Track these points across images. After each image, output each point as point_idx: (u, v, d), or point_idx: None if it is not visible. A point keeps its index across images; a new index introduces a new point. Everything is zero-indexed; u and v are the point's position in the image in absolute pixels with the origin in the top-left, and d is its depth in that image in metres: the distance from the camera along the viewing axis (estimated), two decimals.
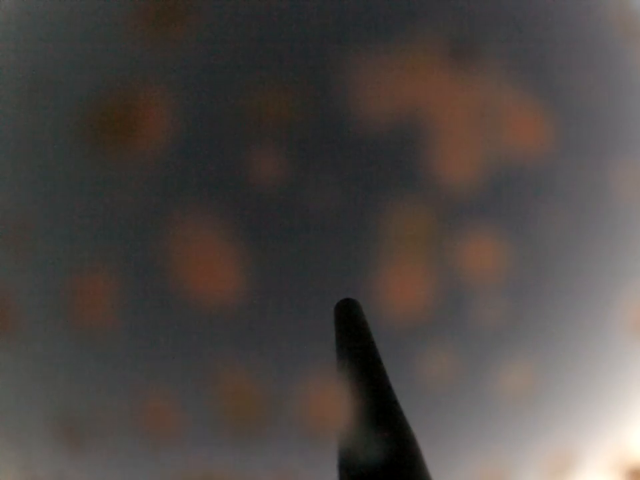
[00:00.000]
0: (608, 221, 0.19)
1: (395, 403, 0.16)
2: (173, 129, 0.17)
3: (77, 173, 0.17)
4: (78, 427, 0.17)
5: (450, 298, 0.17)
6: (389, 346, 0.17)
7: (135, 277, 0.17)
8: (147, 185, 0.16)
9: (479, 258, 0.17)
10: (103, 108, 0.18)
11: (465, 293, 0.17)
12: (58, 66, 0.19)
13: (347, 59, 0.17)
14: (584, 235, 0.19)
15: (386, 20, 0.18)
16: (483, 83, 0.18)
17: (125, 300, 0.17)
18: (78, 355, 0.17)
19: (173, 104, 0.17)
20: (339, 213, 0.16)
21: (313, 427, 0.16)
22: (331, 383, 0.16)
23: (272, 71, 0.17)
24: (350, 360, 0.16)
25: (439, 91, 0.18)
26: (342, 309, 0.20)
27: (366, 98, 0.17)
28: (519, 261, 0.17)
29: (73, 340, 0.17)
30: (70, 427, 0.17)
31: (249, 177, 0.17)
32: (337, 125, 0.18)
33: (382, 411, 0.15)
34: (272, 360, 0.16)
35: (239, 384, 0.16)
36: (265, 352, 0.16)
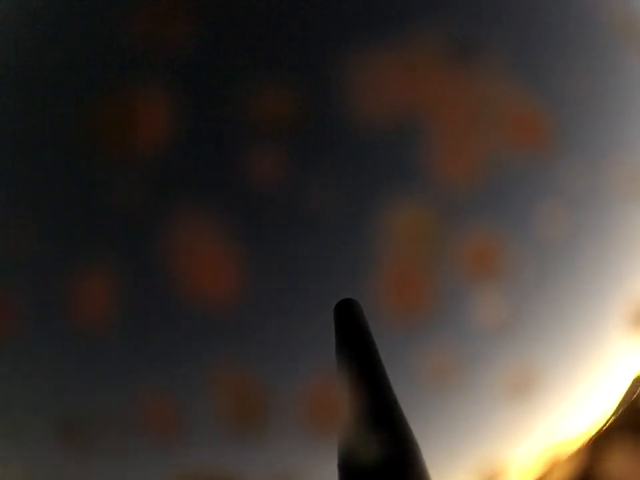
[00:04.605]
0: (607, 220, 0.19)
1: (395, 402, 0.16)
2: (172, 128, 0.17)
3: (77, 172, 0.17)
4: (78, 428, 0.17)
5: (450, 297, 0.17)
6: (389, 346, 0.17)
7: (135, 277, 0.17)
8: (147, 184, 0.17)
9: (479, 257, 0.17)
10: (103, 107, 0.18)
11: (464, 292, 0.17)
12: (57, 66, 0.19)
13: (346, 59, 0.17)
14: (583, 232, 0.19)
15: (386, 20, 0.18)
16: (483, 82, 0.18)
17: (124, 300, 0.17)
18: (77, 355, 0.17)
19: (173, 104, 0.17)
20: (339, 213, 0.17)
21: (312, 427, 0.16)
22: (331, 383, 0.16)
23: (272, 71, 0.17)
24: (350, 360, 0.16)
25: (439, 90, 0.18)
26: (342, 309, 0.20)
27: (366, 97, 0.17)
28: (519, 259, 0.18)
29: (73, 340, 0.17)
30: (70, 427, 0.17)
31: (249, 176, 0.17)
32: (336, 124, 0.18)
33: (382, 410, 0.15)
34: (272, 360, 0.16)
35: (239, 384, 0.16)
36: (264, 352, 0.17)
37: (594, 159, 0.20)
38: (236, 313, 0.16)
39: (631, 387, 0.20)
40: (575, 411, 0.19)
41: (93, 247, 0.17)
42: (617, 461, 0.19)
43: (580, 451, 0.19)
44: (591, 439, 0.19)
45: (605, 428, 0.19)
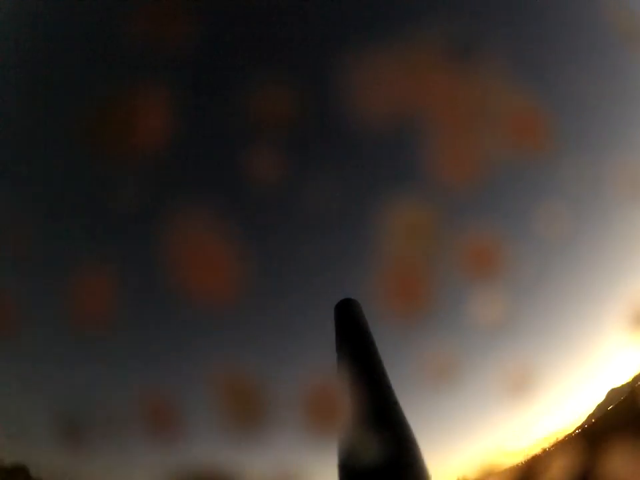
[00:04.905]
0: (606, 220, 0.19)
1: (395, 403, 0.16)
2: (172, 128, 0.17)
3: (77, 172, 0.17)
4: (78, 425, 0.17)
5: (449, 296, 0.17)
6: (389, 345, 0.17)
7: (135, 277, 0.17)
8: (147, 184, 0.16)
9: (478, 257, 0.17)
10: (102, 107, 0.18)
11: (464, 292, 0.17)
12: (58, 66, 0.19)
13: (346, 59, 0.17)
14: (582, 232, 0.19)
15: (386, 20, 0.18)
16: (483, 83, 0.18)
17: (124, 300, 0.17)
18: (77, 354, 0.17)
19: (173, 104, 0.17)
20: (339, 213, 0.16)
21: (312, 427, 0.16)
22: (331, 383, 0.16)
23: (272, 71, 0.17)
24: (350, 360, 0.16)
25: (439, 90, 0.18)
26: (342, 309, 0.20)
27: (365, 97, 0.17)
28: (518, 259, 0.18)
29: (73, 340, 0.17)
30: (70, 425, 0.17)
31: (249, 176, 0.17)
32: (336, 124, 0.18)
33: (382, 410, 0.15)
34: (271, 360, 0.16)
35: (239, 384, 0.16)
36: (264, 352, 0.16)
37: (594, 159, 0.20)
38: (236, 312, 0.16)
39: (630, 384, 0.20)
40: (572, 407, 0.19)
41: (93, 246, 0.17)
42: (617, 461, 0.19)
43: (578, 446, 0.19)
44: (588, 435, 0.19)
45: (602, 424, 0.19)
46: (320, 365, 0.16)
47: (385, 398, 0.16)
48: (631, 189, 0.20)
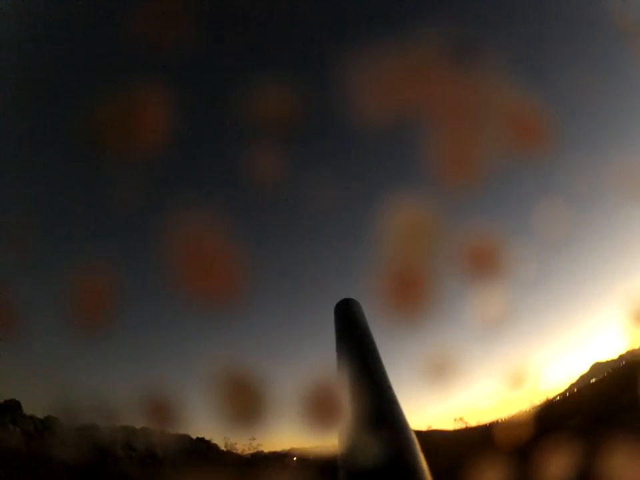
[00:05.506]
0: (606, 219, 0.19)
1: (395, 403, 0.16)
2: (172, 128, 0.17)
3: (77, 172, 0.17)
4: (79, 423, 0.17)
5: (449, 295, 0.17)
6: (389, 344, 0.17)
7: (135, 276, 0.17)
8: (147, 184, 0.17)
9: (479, 256, 0.17)
10: (103, 108, 0.18)
11: (464, 291, 0.17)
12: (58, 66, 0.19)
13: (347, 59, 0.17)
14: (582, 232, 0.19)
15: (386, 20, 0.18)
16: (484, 83, 0.18)
17: (124, 299, 0.17)
18: (78, 353, 0.17)
19: (173, 104, 0.17)
20: (339, 212, 0.17)
21: (312, 427, 0.16)
22: (331, 383, 0.16)
23: (272, 70, 0.17)
24: (350, 360, 0.16)
25: (440, 90, 0.18)
26: (342, 309, 0.20)
27: (366, 97, 0.17)
28: (518, 258, 0.18)
29: (73, 339, 0.17)
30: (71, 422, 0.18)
31: (249, 176, 0.17)
32: (337, 124, 0.18)
33: (382, 411, 0.15)
34: (271, 359, 0.17)
35: (239, 383, 0.16)
36: (263, 351, 0.17)
37: (594, 159, 0.20)
38: (236, 313, 0.16)
39: (615, 361, 0.21)
40: (557, 375, 0.19)
41: (93, 245, 0.17)
42: (617, 461, 0.19)
43: (557, 410, 0.19)
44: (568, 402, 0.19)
45: (582, 395, 0.20)
46: (320, 365, 0.16)
47: (385, 398, 0.16)
48: (631, 189, 0.20)
